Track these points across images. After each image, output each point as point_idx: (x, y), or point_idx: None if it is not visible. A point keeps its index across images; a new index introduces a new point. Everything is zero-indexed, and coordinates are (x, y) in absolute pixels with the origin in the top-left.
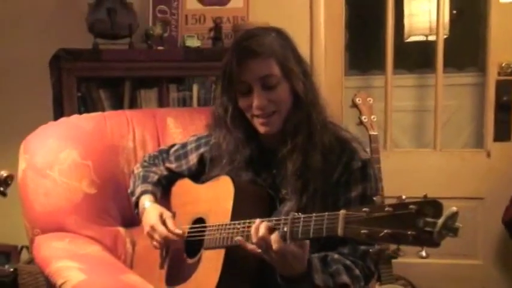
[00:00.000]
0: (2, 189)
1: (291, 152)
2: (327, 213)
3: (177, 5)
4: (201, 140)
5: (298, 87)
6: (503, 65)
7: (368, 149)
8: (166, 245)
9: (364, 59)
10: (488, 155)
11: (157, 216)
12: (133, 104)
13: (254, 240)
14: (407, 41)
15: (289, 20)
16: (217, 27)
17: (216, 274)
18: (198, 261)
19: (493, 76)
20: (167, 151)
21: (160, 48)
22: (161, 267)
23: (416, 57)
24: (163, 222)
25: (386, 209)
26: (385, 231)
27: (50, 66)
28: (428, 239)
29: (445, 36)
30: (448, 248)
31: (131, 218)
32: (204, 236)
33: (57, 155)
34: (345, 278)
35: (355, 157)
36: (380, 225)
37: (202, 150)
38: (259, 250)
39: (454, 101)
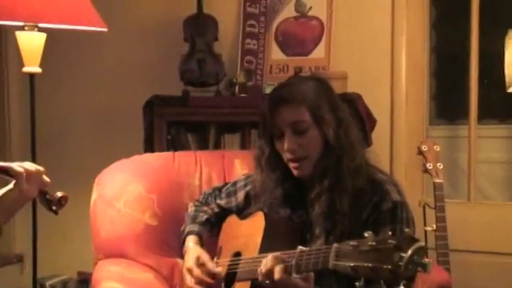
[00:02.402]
0: (55, 208)
1: (318, 195)
2: (324, 247)
3: (263, 56)
4: (249, 179)
5: (328, 134)
6: None
7: (401, 191)
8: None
9: (452, 108)
10: None
11: (194, 259)
12: (217, 147)
13: (263, 270)
14: (508, 91)
15: (370, 69)
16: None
17: None
18: None
19: None
20: (220, 189)
21: (243, 95)
22: None
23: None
24: (201, 265)
25: (369, 243)
26: (366, 265)
27: (143, 110)
28: (401, 274)
29: None
30: None
31: None
32: (237, 268)
33: (124, 187)
34: None
35: (386, 198)
36: (363, 259)
37: (248, 187)
38: (267, 282)
39: None
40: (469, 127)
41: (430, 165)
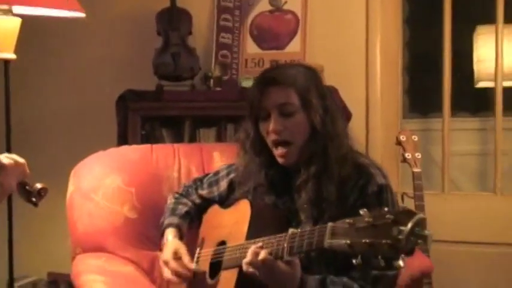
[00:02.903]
0: (34, 200)
1: (305, 182)
2: (318, 227)
3: (238, 50)
4: (231, 167)
5: (315, 119)
6: None
7: (385, 174)
8: (174, 280)
9: (425, 102)
10: None
11: (171, 253)
12: (192, 142)
13: (248, 257)
14: (476, 86)
15: (345, 63)
16: None
17: None
18: (217, 281)
19: None
20: (201, 179)
21: (218, 89)
22: None
23: (483, 101)
24: (178, 259)
25: (366, 219)
26: (364, 241)
27: (116, 105)
28: (401, 247)
29: None
30: None
31: None
32: (223, 257)
33: (102, 180)
34: None
35: (371, 181)
36: (360, 235)
37: (232, 176)
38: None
39: None
40: (443, 120)
41: (408, 155)
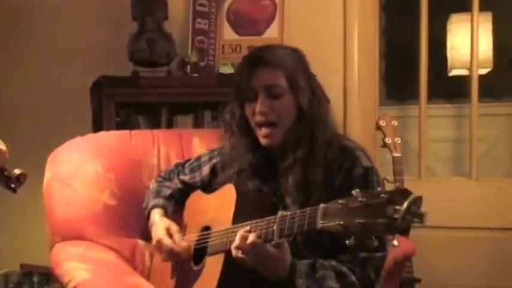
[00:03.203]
0: (13, 186)
1: (291, 166)
2: (309, 208)
3: (215, 36)
4: (213, 152)
5: (302, 102)
6: None
7: (370, 157)
8: (173, 258)
9: (402, 89)
10: None
11: (164, 230)
12: (169, 129)
13: (237, 241)
14: (450, 75)
15: (323, 50)
16: None
17: (215, 279)
18: (202, 267)
19: None
20: (183, 164)
21: (195, 75)
22: (172, 277)
23: (458, 87)
24: (170, 236)
25: (360, 199)
26: (358, 221)
27: (90, 92)
28: (396, 227)
29: (489, 70)
30: (486, 279)
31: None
32: (208, 243)
33: (80, 166)
34: (332, 284)
35: (357, 164)
36: (354, 216)
37: (214, 161)
38: (240, 253)
39: (493, 132)
40: (419, 107)
41: (388, 140)
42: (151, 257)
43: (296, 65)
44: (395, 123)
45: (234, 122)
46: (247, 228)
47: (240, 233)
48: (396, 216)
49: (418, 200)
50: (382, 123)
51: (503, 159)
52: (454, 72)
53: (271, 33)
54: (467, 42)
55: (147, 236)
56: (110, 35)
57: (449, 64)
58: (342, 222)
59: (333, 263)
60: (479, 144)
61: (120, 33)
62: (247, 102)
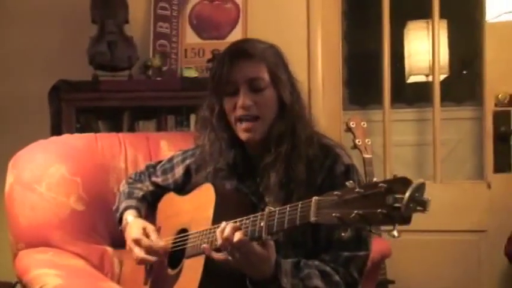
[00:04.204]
0: None
1: (274, 162)
2: (300, 202)
3: (177, 39)
4: (187, 153)
5: (284, 95)
6: (499, 96)
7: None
8: (148, 260)
9: (364, 94)
10: (489, 186)
11: (140, 230)
12: None
13: (219, 241)
14: (408, 81)
15: (287, 53)
16: (215, 58)
17: (195, 282)
18: (180, 271)
19: (490, 107)
20: (154, 166)
21: (158, 78)
22: (145, 283)
23: (418, 92)
24: (147, 236)
25: (356, 190)
26: (356, 212)
27: (49, 96)
28: (398, 216)
29: (446, 76)
30: (452, 281)
31: (120, 239)
32: (186, 245)
33: (45, 170)
34: (317, 282)
35: (338, 161)
36: (351, 207)
37: (188, 161)
38: (223, 255)
39: (455, 135)
40: (383, 111)
41: (359, 141)
42: (121, 265)
43: (277, 59)
44: (364, 124)
45: (214, 117)
46: (237, 225)
47: (227, 229)
48: (397, 205)
49: (421, 187)
50: (352, 124)
51: (464, 162)
52: (412, 79)
53: (234, 37)
54: (424, 49)
55: (115, 243)
56: (69, 38)
57: (406, 71)
58: (338, 214)
59: (316, 262)
60: (441, 148)
61: (80, 37)
62: (227, 96)
